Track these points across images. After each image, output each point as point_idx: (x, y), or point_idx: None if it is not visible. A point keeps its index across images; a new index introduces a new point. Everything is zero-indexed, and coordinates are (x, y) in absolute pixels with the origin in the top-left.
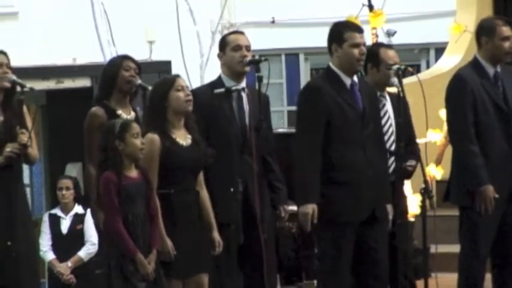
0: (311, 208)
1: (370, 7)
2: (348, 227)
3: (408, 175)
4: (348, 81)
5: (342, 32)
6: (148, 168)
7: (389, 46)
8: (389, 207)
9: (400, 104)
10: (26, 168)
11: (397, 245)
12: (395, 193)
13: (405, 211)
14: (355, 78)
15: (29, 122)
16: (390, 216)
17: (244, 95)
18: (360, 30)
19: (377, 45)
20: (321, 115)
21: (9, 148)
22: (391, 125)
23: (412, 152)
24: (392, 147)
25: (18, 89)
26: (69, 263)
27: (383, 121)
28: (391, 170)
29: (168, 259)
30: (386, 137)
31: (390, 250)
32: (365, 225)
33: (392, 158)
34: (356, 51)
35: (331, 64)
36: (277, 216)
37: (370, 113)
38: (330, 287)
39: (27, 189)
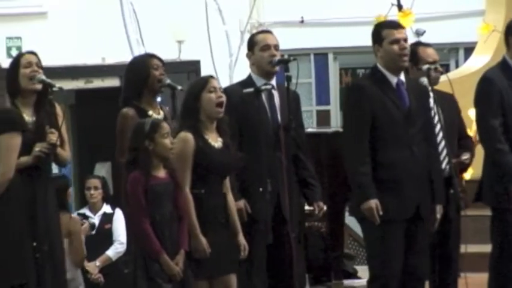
0: (373, 203)
1: (399, 7)
2: (394, 224)
3: (464, 168)
4: (393, 80)
5: (379, 31)
6: (181, 167)
7: (427, 44)
8: (438, 207)
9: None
10: (54, 168)
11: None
12: (451, 188)
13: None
14: (402, 77)
15: (61, 122)
16: (438, 216)
17: (275, 93)
18: (398, 26)
19: (415, 44)
20: (365, 113)
21: (38, 148)
22: (437, 122)
23: (465, 146)
24: (442, 144)
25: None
26: (97, 262)
27: None
28: (443, 165)
29: (204, 256)
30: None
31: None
32: (411, 223)
33: (444, 153)
34: (396, 47)
35: (377, 64)
36: (311, 213)
37: (417, 112)
38: (380, 281)
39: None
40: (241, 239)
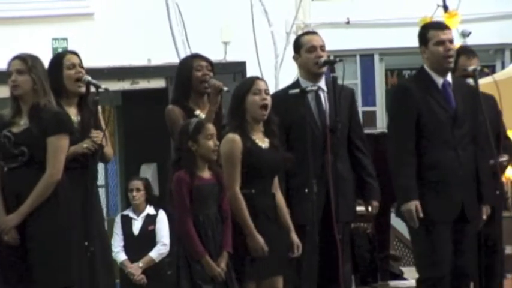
0: (413, 205)
1: (445, 8)
2: (440, 225)
3: (502, 170)
4: (440, 81)
5: (425, 32)
6: (229, 167)
7: (472, 53)
8: (484, 208)
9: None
10: (101, 169)
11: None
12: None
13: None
14: (449, 78)
15: (102, 122)
16: (484, 217)
17: (322, 94)
18: (443, 27)
19: (460, 51)
20: (410, 114)
21: (86, 144)
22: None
23: (504, 147)
24: None
25: (92, 89)
26: (140, 264)
27: None
28: None
29: (261, 255)
30: None
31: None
32: (457, 224)
33: None
34: (441, 48)
35: (424, 65)
36: (362, 214)
37: (464, 113)
38: (430, 282)
39: (103, 190)
40: (294, 237)
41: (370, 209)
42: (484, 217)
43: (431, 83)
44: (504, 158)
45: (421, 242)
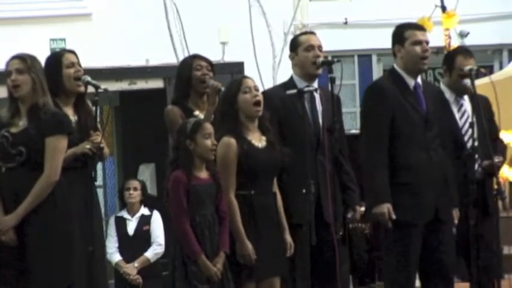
0: (386, 207)
1: (443, 8)
2: (412, 227)
3: (497, 171)
4: (411, 83)
5: (402, 31)
6: (224, 172)
7: (469, 54)
8: (454, 212)
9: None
10: (99, 169)
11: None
12: (484, 191)
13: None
14: (419, 80)
15: (105, 121)
16: (455, 221)
17: (317, 95)
18: (420, 28)
19: (457, 51)
20: (385, 115)
21: (88, 145)
22: (470, 125)
23: (494, 148)
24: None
25: (90, 89)
26: (136, 264)
27: (462, 121)
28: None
29: (249, 262)
30: (466, 137)
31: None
32: (430, 226)
33: (476, 156)
34: (418, 48)
35: (395, 65)
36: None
37: (434, 116)
38: (397, 286)
39: (101, 190)
40: (288, 237)
41: (354, 214)
42: (456, 221)
43: (403, 84)
44: (499, 159)
45: (392, 244)
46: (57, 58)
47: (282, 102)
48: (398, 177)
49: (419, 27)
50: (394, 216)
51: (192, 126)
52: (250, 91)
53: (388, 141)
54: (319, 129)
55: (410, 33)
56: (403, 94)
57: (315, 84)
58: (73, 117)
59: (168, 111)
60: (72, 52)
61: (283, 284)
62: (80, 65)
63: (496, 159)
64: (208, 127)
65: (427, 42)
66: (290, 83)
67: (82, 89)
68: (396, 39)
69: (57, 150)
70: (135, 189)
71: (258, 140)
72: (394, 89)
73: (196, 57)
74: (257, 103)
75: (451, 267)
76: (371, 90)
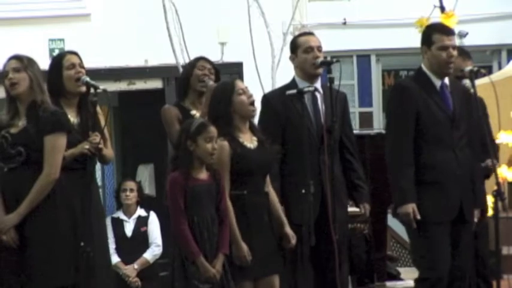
0: (411, 207)
1: (442, 8)
2: (438, 226)
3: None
4: (437, 83)
5: (430, 34)
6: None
7: (467, 56)
8: (476, 211)
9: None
10: (98, 169)
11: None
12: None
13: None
14: (447, 80)
15: (102, 122)
16: (475, 219)
17: (318, 95)
18: (449, 32)
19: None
20: (410, 114)
21: (87, 146)
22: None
23: (490, 150)
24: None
25: (92, 90)
26: (136, 265)
27: None
28: None
29: (244, 264)
30: None
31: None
32: (455, 225)
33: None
34: (444, 54)
35: (422, 65)
36: (354, 215)
37: (461, 115)
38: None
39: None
40: (288, 230)
41: (363, 211)
42: (476, 220)
43: (429, 84)
44: (494, 161)
45: (420, 243)
46: (58, 60)
47: (282, 104)
48: (423, 176)
49: (447, 31)
50: (418, 217)
51: (197, 127)
52: (244, 92)
53: (414, 141)
54: (322, 129)
55: (438, 37)
56: (428, 93)
57: (317, 84)
58: (76, 119)
59: (164, 110)
60: (75, 53)
61: (281, 283)
62: (82, 66)
63: (490, 162)
64: (213, 130)
65: (454, 47)
66: (291, 85)
67: (83, 89)
68: (424, 40)
69: (56, 148)
70: (131, 190)
71: (250, 141)
72: (419, 89)
73: (202, 58)
74: (252, 103)
75: (466, 272)
76: (395, 89)
